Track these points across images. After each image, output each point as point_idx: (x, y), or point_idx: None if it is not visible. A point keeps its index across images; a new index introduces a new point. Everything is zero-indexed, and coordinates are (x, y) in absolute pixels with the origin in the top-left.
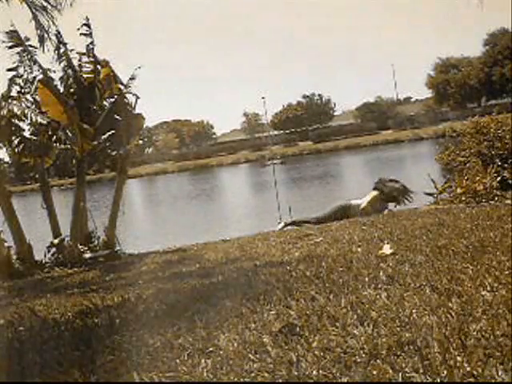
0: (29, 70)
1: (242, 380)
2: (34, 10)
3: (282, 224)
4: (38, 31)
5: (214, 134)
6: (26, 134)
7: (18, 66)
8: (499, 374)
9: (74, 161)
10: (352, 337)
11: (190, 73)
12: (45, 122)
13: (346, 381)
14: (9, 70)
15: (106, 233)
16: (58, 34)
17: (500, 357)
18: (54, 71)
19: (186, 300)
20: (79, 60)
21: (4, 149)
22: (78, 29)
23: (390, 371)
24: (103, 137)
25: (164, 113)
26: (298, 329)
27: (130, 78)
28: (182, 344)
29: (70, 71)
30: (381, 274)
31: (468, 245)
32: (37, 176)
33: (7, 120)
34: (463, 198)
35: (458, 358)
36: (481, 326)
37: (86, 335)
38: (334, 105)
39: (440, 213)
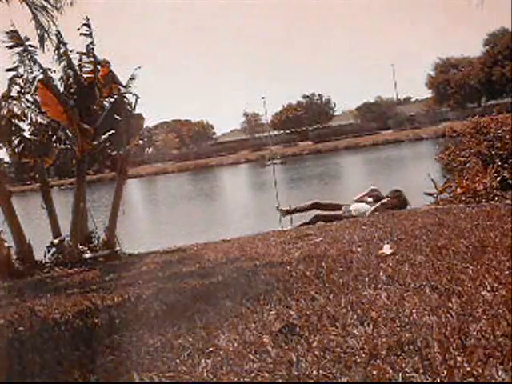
0: (29, 70)
1: (242, 380)
2: (34, 10)
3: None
4: (38, 31)
5: (214, 133)
6: (26, 134)
7: (17, 66)
8: (499, 374)
9: (74, 161)
10: (352, 337)
11: (190, 73)
12: (45, 122)
13: (346, 381)
14: (9, 69)
15: (105, 233)
16: (58, 34)
17: (500, 357)
18: (54, 71)
19: (185, 300)
20: (79, 60)
21: (4, 149)
22: (78, 29)
23: (390, 371)
24: (103, 137)
25: (164, 113)
26: (297, 329)
27: (130, 78)
28: (182, 344)
29: (69, 71)
30: (381, 273)
31: (468, 245)
32: (37, 176)
33: (7, 120)
34: (463, 198)
35: (458, 358)
36: (481, 326)
37: (85, 335)
38: (334, 105)
39: (440, 213)
